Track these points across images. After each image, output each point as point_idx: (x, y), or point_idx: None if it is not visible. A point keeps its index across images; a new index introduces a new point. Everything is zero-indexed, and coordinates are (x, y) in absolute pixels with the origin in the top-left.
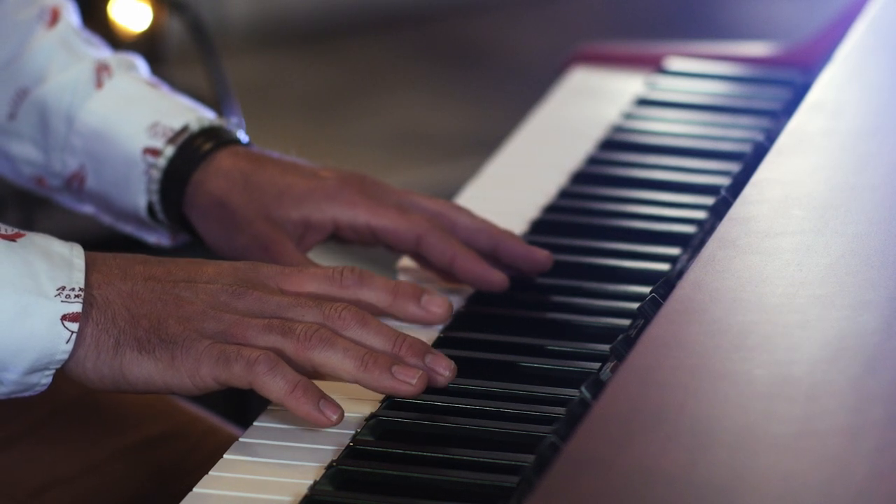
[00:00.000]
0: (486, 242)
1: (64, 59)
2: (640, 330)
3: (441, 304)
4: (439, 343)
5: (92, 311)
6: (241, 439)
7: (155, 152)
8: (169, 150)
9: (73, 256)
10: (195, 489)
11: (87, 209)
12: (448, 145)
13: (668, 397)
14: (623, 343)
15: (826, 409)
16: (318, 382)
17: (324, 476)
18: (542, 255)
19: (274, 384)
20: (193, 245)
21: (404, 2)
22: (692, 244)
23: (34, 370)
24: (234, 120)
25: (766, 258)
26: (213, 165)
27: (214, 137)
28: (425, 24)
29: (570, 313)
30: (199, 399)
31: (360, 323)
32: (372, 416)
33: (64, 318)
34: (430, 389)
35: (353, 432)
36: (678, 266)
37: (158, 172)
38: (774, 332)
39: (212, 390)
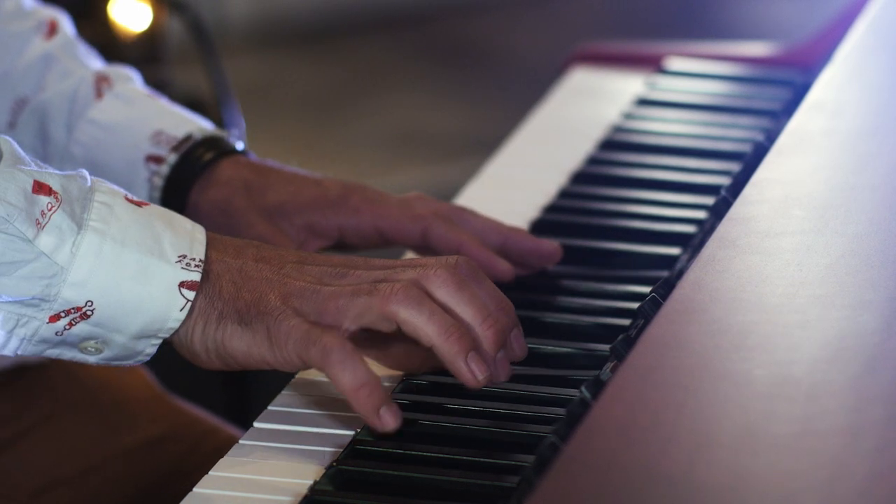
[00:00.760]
0: (495, 240)
1: (63, 69)
2: (640, 330)
3: (523, 347)
4: None
5: (204, 284)
6: (241, 440)
7: (158, 160)
8: (172, 158)
9: (195, 231)
10: (195, 489)
11: None
12: (448, 145)
13: (668, 397)
14: (623, 343)
15: (826, 409)
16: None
17: (324, 476)
18: (551, 248)
19: (343, 376)
20: None
21: (404, 2)
22: (692, 244)
23: (143, 335)
24: (234, 131)
25: (766, 258)
26: (215, 174)
27: (216, 147)
28: (425, 24)
29: (570, 313)
30: (199, 399)
31: (457, 286)
32: None
33: (182, 284)
34: (431, 389)
35: (353, 432)
36: (678, 266)
37: (161, 180)
38: (774, 332)
39: (301, 368)
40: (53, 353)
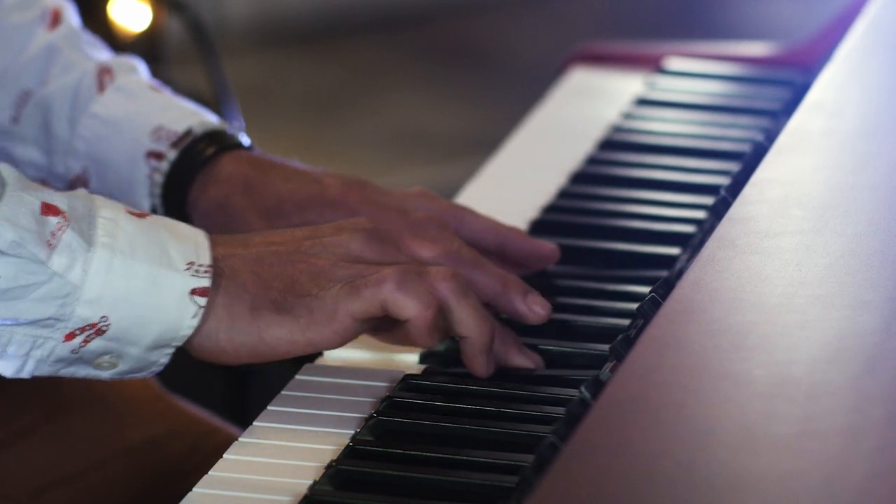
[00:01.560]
0: (493, 240)
1: (66, 62)
2: (640, 330)
3: (544, 305)
4: None
5: (221, 280)
6: (240, 439)
7: (159, 156)
8: (172, 155)
9: (197, 235)
10: (195, 489)
11: None
12: (448, 145)
13: (667, 397)
14: (623, 343)
15: (826, 409)
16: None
17: (323, 476)
18: (548, 249)
19: (405, 301)
20: None
21: (404, 2)
22: (692, 244)
23: (157, 346)
24: (236, 124)
25: (765, 258)
26: (215, 170)
27: (217, 142)
28: (425, 24)
29: (570, 313)
30: (199, 399)
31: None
32: (372, 416)
33: (193, 291)
34: (430, 389)
35: (353, 432)
36: (678, 266)
37: (161, 176)
38: (774, 332)
39: (355, 333)
40: (68, 371)
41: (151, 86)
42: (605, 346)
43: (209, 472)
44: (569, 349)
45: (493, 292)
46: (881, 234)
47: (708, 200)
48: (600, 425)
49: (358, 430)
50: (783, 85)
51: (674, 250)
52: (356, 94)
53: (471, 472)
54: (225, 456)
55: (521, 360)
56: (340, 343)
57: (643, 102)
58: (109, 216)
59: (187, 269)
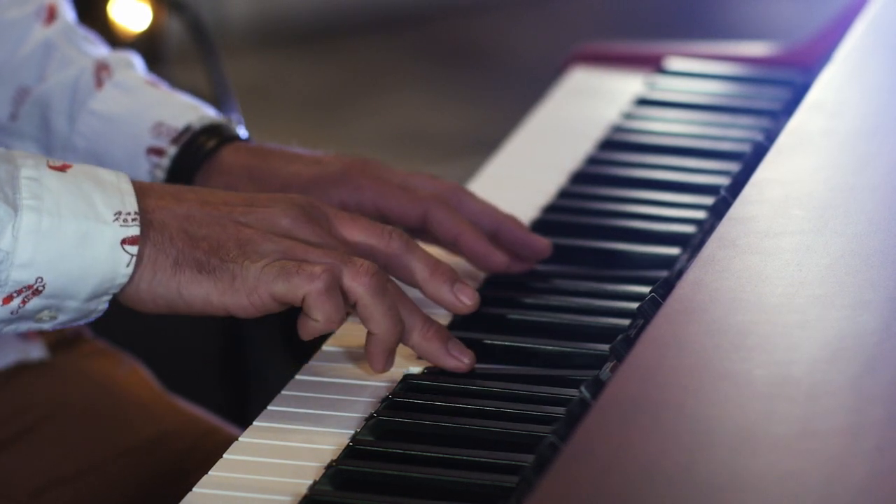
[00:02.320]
0: (489, 225)
1: (63, 58)
2: (640, 330)
3: (471, 295)
4: None
5: (150, 232)
6: (240, 439)
7: (159, 152)
8: (172, 150)
9: (120, 182)
10: (195, 489)
11: None
12: (448, 145)
13: (667, 397)
14: (623, 343)
15: (826, 409)
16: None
17: (323, 476)
18: (542, 244)
19: (323, 307)
20: None
21: (404, 2)
22: (692, 244)
23: (95, 296)
24: (235, 116)
25: (765, 258)
26: (216, 163)
27: (217, 135)
28: (425, 24)
29: (569, 313)
30: (199, 399)
31: (402, 296)
32: (372, 416)
33: (124, 241)
34: (430, 389)
35: (352, 432)
36: (678, 266)
37: (162, 172)
38: (774, 332)
39: (269, 310)
40: (10, 329)
41: (149, 81)
42: (605, 346)
43: (209, 472)
44: (569, 349)
45: (420, 277)
46: (881, 234)
47: (708, 200)
48: (600, 425)
49: (358, 430)
50: (783, 85)
51: (674, 250)
52: (356, 94)
53: (471, 472)
54: (225, 456)
55: (448, 360)
56: (254, 315)
57: (643, 102)
58: (32, 175)
59: (115, 219)
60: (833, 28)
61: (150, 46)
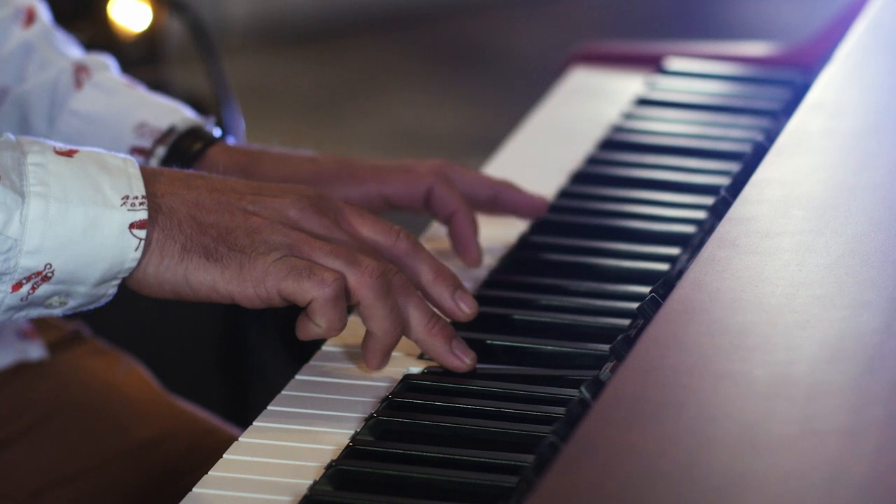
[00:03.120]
0: (487, 192)
1: (42, 59)
2: (640, 330)
3: (470, 304)
4: None
5: (158, 217)
6: (240, 439)
7: (143, 152)
8: (160, 151)
9: (126, 166)
10: (195, 489)
11: None
12: (448, 145)
13: (667, 397)
14: (623, 343)
15: (826, 409)
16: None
17: (323, 476)
18: (539, 201)
19: (327, 315)
20: None
21: (404, 2)
22: (692, 244)
23: (103, 281)
24: (212, 118)
25: (766, 258)
26: (207, 162)
27: (201, 137)
28: (425, 24)
29: (570, 313)
30: (199, 399)
31: (410, 292)
32: (372, 416)
33: (132, 225)
34: (430, 389)
35: (352, 432)
36: (678, 266)
37: None
38: (774, 332)
39: (273, 304)
40: (20, 315)
41: (126, 83)
42: (605, 346)
43: (209, 472)
44: (569, 349)
45: (424, 281)
46: (881, 234)
47: (708, 200)
48: (600, 425)
49: (358, 430)
50: (783, 85)
51: (674, 250)
52: (356, 94)
53: (471, 472)
54: (225, 456)
55: (450, 358)
56: (258, 306)
57: (643, 102)
58: (38, 161)
59: (123, 203)
60: (833, 28)
61: (150, 46)
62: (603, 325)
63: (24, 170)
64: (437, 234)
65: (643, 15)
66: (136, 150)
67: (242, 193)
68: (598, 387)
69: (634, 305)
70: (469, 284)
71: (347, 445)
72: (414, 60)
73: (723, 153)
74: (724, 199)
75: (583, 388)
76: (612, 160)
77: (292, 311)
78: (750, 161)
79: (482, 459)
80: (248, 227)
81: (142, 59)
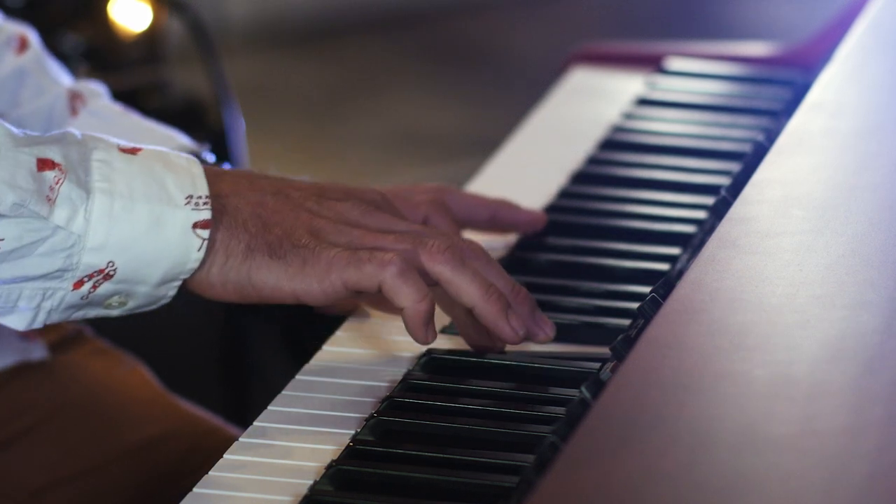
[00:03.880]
0: (485, 213)
1: (37, 86)
2: (640, 330)
3: (520, 326)
4: (439, 341)
5: (223, 217)
6: (240, 439)
7: None
8: None
9: (190, 166)
10: (195, 489)
11: None
12: (448, 145)
13: (668, 397)
14: (623, 343)
15: (826, 409)
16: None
17: (324, 476)
18: (536, 216)
19: (403, 290)
20: None
21: (404, 2)
22: (692, 244)
23: (165, 281)
24: (206, 145)
25: (766, 258)
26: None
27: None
28: (425, 24)
29: (570, 313)
30: (199, 399)
31: (486, 260)
32: (372, 416)
33: (195, 225)
34: (430, 389)
35: (353, 432)
36: (678, 266)
37: None
38: (774, 332)
39: (339, 298)
40: (79, 314)
41: (120, 111)
42: (606, 346)
43: (209, 472)
44: (569, 349)
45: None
46: (881, 234)
47: (708, 200)
48: (600, 425)
49: (358, 430)
50: (783, 85)
51: (674, 250)
52: (356, 94)
53: (471, 472)
54: (225, 456)
55: (537, 327)
56: (323, 302)
57: (643, 102)
58: (103, 158)
59: (187, 202)
60: (833, 28)
61: (150, 46)
62: (603, 325)
63: (90, 165)
64: None
65: (643, 15)
66: None
67: (307, 194)
68: (598, 387)
69: (634, 305)
70: None
71: (348, 445)
72: (414, 60)
73: (723, 153)
74: (724, 199)
75: (583, 388)
76: (613, 160)
77: (292, 312)
78: (750, 161)
79: (482, 460)
80: (312, 226)
81: (142, 59)
